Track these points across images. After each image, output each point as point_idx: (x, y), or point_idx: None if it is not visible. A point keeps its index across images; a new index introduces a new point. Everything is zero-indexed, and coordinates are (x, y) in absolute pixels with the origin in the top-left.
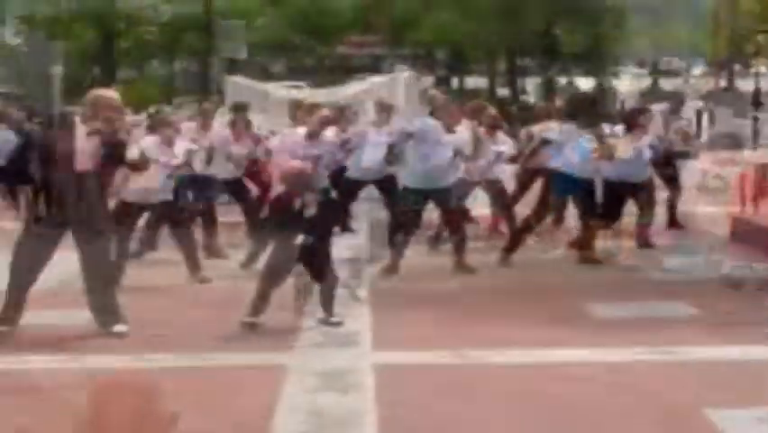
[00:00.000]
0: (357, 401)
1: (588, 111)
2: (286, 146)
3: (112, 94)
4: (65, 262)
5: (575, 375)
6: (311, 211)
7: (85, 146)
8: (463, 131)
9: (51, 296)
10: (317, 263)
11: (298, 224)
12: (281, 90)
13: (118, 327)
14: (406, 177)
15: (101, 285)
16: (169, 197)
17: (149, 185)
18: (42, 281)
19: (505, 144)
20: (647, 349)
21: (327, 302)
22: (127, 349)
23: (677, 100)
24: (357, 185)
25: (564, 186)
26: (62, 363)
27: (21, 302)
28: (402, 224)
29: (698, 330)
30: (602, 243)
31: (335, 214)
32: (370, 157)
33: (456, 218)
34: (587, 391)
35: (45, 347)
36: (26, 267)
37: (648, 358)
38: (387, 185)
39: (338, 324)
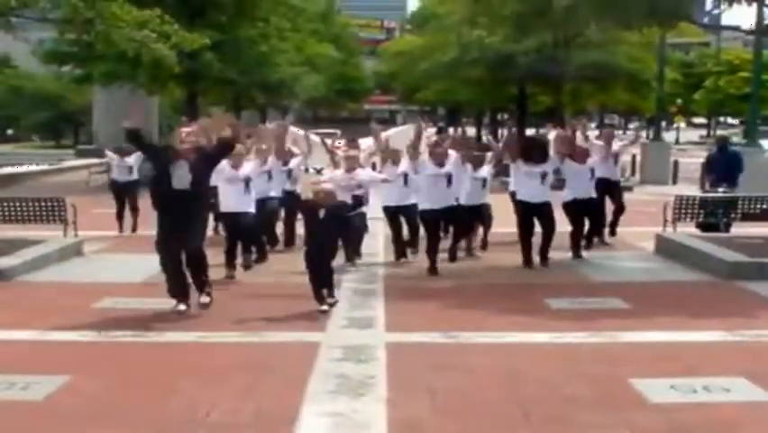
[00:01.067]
0: (372, 369)
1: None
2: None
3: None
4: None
5: (536, 353)
6: (327, 220)
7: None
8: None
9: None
10: (320, 263)
11: (319, 228)
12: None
13: (203, 298)
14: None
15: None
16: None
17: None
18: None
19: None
20: (590, 334)
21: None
22: (199, 327)
23: (609, 138)
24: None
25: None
26: (152, 337)
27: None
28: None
29: (628, 319)
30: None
31: (343, 227)
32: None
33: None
34: (544, 365)
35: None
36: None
37: (590, 340)
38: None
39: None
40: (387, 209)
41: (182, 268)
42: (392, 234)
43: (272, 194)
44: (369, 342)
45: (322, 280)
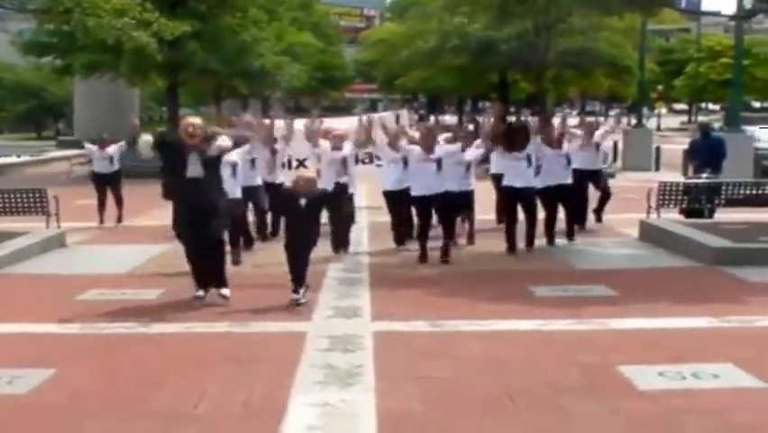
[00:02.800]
0: (359, 358)
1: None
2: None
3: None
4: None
5: (522, 341)
6: (308, 208)
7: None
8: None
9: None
10: (299, 249)
11: (299, 217)
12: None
13: (223, 291)
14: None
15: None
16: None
17: None
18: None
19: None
20: (576, 321)
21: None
22: (185, 319)
23: (590, 129)
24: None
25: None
26: (137, 329)
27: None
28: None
29: (614, 306)
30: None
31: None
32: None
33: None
34: (531, 352)
35: (123, 316)
36: None
37: (577, 328)
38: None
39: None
40: (387, 194)
41: (202, 254)
42: (392, 219)
43: (258, 182)
44: (355, 331)
45: (295, 272)
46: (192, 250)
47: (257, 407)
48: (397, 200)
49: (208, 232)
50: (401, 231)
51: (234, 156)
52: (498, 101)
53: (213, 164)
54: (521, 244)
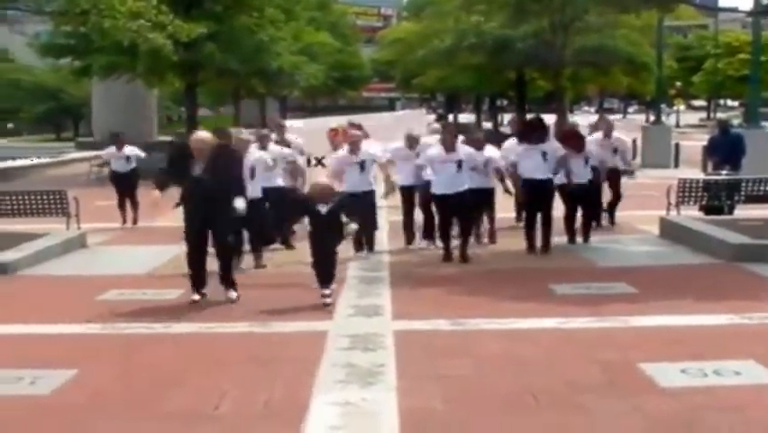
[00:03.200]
0: (380, 357)
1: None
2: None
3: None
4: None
5: (543, 339)
6: (329, 215)
7: None
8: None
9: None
10: (324, 254)
11: (321, 223)
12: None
13: (231, 294)
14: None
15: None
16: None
17: None
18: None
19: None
20: (597, 319)
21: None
22: (206, 319)
23: (608, 128)
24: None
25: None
26: (158, 329)
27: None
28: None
29: (635, 304)
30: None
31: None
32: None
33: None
34: (552, 351)
35: (144, 316)
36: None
37: (597, 325)
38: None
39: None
40: (402, 189)
41: (204, 259)
42: (404, 217)
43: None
44: (376, 330)
45: (323, 273)
46: (194, 251)
47: (278, 406)
48: (412, 196)
49: (218, 238)
50: (411, 230)
51: (253, 159)
52: (517, 117)
53: (224, 166)
54: (539, 243)
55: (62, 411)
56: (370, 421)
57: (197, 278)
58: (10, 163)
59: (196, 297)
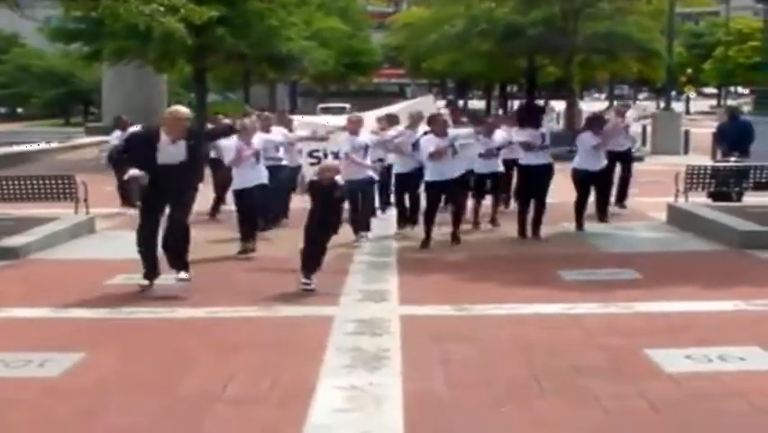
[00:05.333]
0: (386, 342)
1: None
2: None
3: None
4: None
5: (549, 324)
6: (334, 199)
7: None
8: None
9: None
10: (321, 236)
11: (326, 207)
12: (332, 119)
13: (182, 274)
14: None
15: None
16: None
17: None
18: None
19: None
20: (603, 304)
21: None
22: (212, 303)
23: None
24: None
25: None
26: (164, 313)
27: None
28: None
29: (642, 290)
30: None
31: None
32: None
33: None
34: (557, 336)
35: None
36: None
37: (604, 311)
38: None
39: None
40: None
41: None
42: (396, 203)
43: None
44: (383, 315)
45: (312, 259)
46: (149, 233)
47: (285, 390)
48: (406, 184)
49: (174, 215)
50: (404, 215)
51: (257, 143)
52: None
53: (190, 151)
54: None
55: (70, 394)
56: (376, 405)
57: (151, 262)
58: (20, 148)
59: (146, 282)
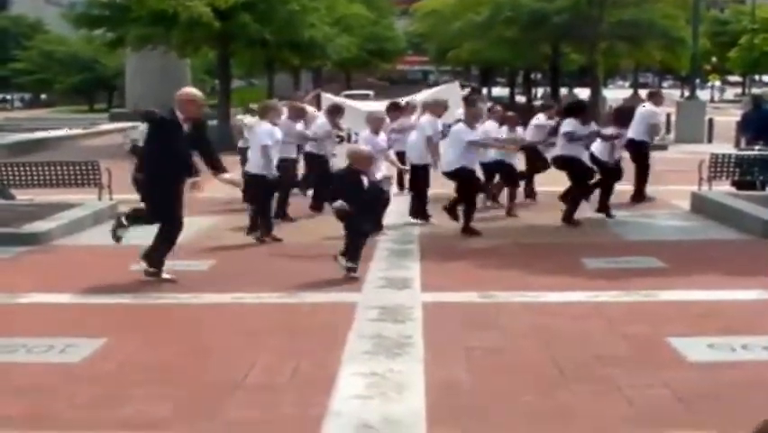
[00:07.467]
0: (409, 329)
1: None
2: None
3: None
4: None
5: (572, 312)
6: (367, 184)
7: None
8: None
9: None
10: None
11: (359, 193)
12: (359, 104)
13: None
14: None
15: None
16: None
17: None
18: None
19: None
20: (626, 293)
21: (350, 250)
22: (235, 289)
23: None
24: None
25: None
26: (187, 299)
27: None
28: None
29: (665, 278)
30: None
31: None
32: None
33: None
34: (580, 324)
35: (175, 287)
36: None
37: (627, 300)
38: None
39: (350, 270)
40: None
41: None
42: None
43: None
44: (405, 302)
45: (355, 247)
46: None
47: (306, 376)
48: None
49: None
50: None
51: (266, 138)
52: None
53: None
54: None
55: (92, 379)
56: (397, 392)
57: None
58: (44, 134)
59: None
